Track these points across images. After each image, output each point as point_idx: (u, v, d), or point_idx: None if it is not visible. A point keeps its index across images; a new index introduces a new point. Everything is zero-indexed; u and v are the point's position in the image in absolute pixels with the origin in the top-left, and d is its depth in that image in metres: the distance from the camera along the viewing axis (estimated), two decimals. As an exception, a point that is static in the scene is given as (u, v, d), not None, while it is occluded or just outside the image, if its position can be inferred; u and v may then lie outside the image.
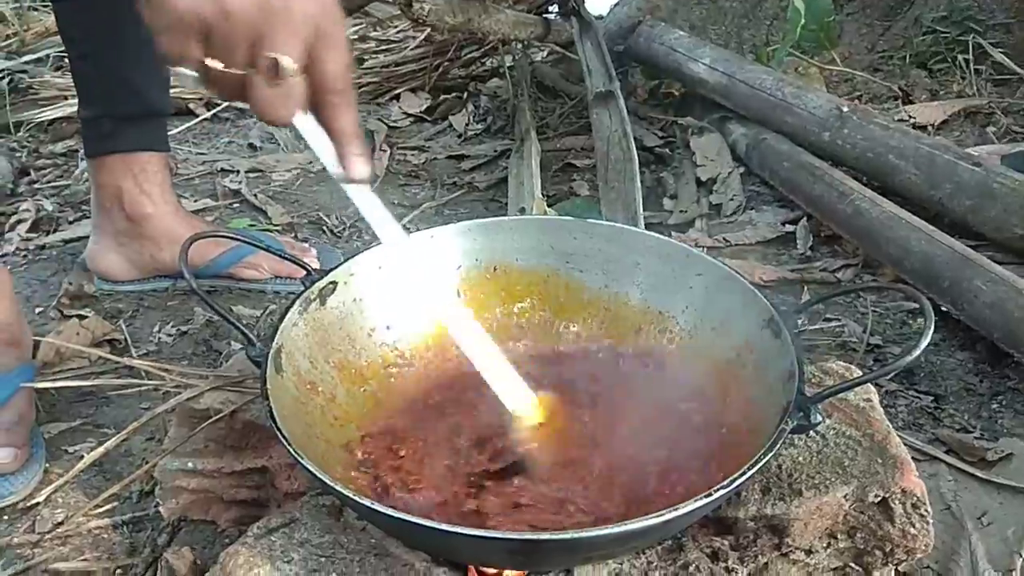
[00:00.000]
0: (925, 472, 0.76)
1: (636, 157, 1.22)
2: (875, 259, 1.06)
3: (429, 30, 1.73)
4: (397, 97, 1.78)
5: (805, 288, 1.06)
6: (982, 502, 0.73)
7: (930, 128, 1.36)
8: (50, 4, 1.06)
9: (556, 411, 0.62)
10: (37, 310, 1.09)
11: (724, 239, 1.18)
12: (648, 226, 1.16)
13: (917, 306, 0.96)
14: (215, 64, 0.50)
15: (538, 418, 0.60)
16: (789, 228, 1.19)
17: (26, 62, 1.87)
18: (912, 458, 0.75)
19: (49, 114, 1.61)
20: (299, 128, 0.55)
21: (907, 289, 0.60)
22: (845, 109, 1.20)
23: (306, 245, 1.16)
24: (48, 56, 1.88)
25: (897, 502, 0.57)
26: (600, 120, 1.36)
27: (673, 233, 1.19)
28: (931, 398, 0.86)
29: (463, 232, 0.77)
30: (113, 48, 1.01)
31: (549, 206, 1.27)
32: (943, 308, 0.94)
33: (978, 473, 0.75)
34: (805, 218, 1.18)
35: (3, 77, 1.76)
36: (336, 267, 0.70)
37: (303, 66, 0.51)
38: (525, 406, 0.60)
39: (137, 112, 1.04)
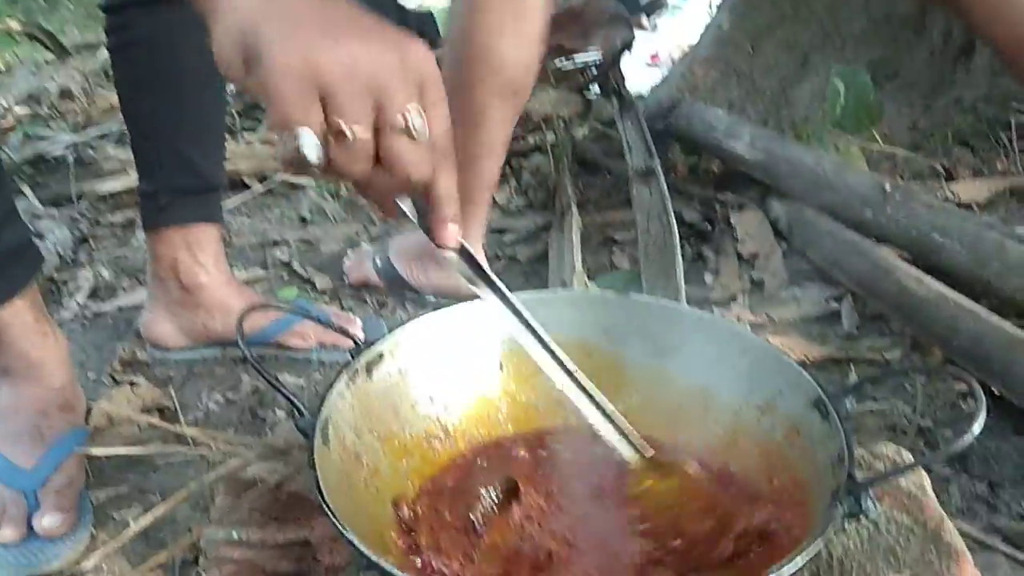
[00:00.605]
0: (981, 562, 0.73)
1: (677, 232, 1.23)
2: (923, 338, 1.05)
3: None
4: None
5: (851, 367, 1.04)
6: (1044, 596, 0.70)
7: (975, 206, 1.35)
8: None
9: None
10: (91, 376, 1.13)
11: (767, 316, 1.17)
12: (690, 301, 1.16)
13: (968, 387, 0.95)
14: (343, 124, 0.45)
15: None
16: (834, 306, 1.18)
17: (91, 136, 1.97)
18: (967, 547, 0.73)
19: (110, 185, 1.69)
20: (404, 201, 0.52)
21: (957, 371, 0.59)
22: (887, 187, 1.20)
23: (351, 315, 1.19)
24: (113, 131, 1.98)
25: (954, 594, 0.55)
26: (641, 196, 1.38)
27: (715, 309, 1.19)
28: (985, 484, 0.83)
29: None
30: (173, 128, 1.06)
31: (590, 279, 1.28)
32: (994, 390, 0.92)
33: (1039, 564, 0.72)
34: (850, 296, 1.17)
35: (69, 151, 1.85)
36: (382, 339, 0.72)
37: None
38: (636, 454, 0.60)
39: (194, 187, 1.08)
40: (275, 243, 1.51)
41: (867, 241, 1.18)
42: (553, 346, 0.62)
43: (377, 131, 0.47)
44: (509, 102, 1.08)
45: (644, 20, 3.81)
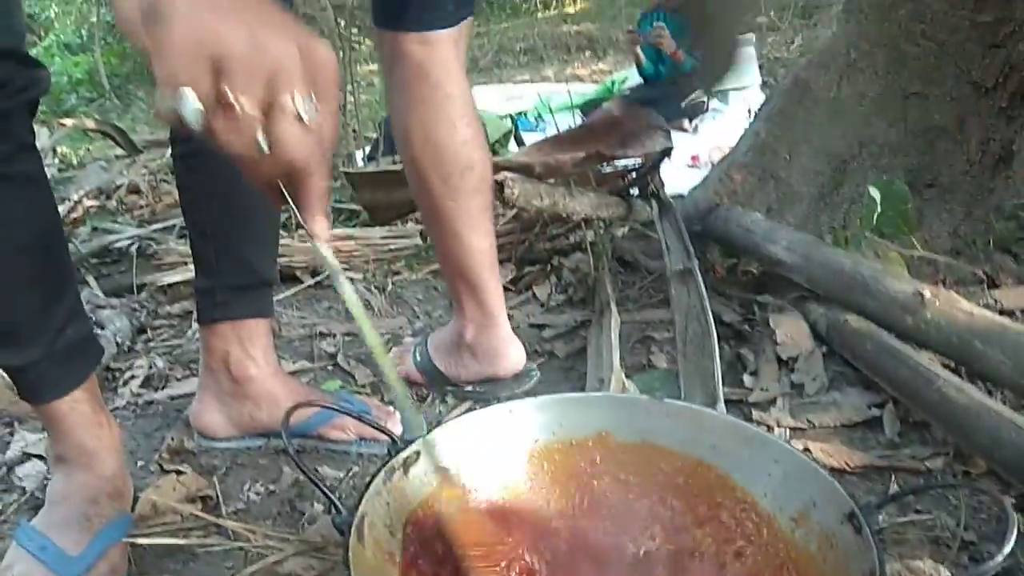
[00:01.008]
0: None
1: (715, 333, 1.24)
2: (966, 448, 1.03)
3: (518, 209, 1.85)
4: (485, 269, 1.88)
5: (893, 476, 1.03)
6: None
7: (1018, 314, 1.34)
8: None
9: None
10: (140, 463, 1.16)
11: (808, 420, 1.17)
12: (728, 402, 1.16)
13: (1016, 499, 0.92)
14: (231, 95, 0.46)
15: None
16: (875, 412, 1.17)
17: (154, 230, 2.08)
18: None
19: (169, 278, 1.77)
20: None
21: (988, 487, 0.59)
22: (927, 293, 1.20)
23: (391, 408, 1.21)
24: (175, 225, 2.09)
25: None
26: (679, 296, 1.40)
27: (754, 412, 1.19)
28: (1034, 604, 0.80)
29: (541, 406, 0.80)
30: (230, 229, 1.12)
31: (627, 377, 1.29)
32: (1042, 505, 0.90)
33: None
34: (891, 402, 1.16)
35: (133, 243, 1.95)
36: (419, 437, 0.74)
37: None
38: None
39: (248, 283, 1.13)
40: (322, 335, 1.56)
41: (907, 347, 1.18)
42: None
43: (266, 113, 0.48)
44: (465, 178, 1.16)
45: (686, 123, 3.93)
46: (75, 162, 3.51)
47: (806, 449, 1.06)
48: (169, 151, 2.43)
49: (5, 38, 0.83)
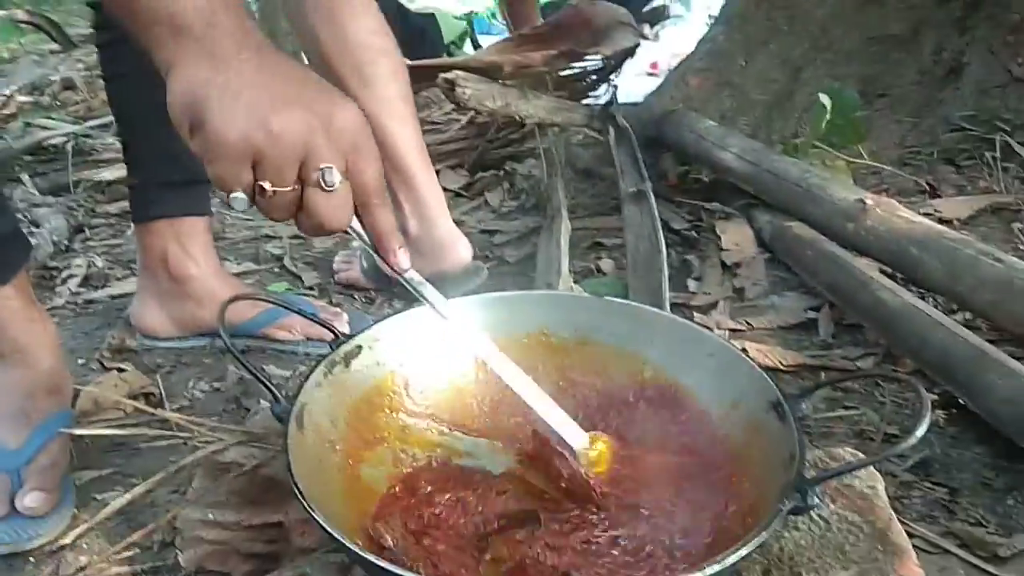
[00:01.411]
0: (937, 565, 0.75)
1: (664, 250, 1.25)
2: (895, 349, 1.07)
3: (472, 113, 1.81)
4: (438, 173, 1.85)
5: (824, 375, 1.07)
6: (995, 600, 0.72)
7: (956, 223, 1.38)
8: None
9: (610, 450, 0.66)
10: (80, 361, 1.15)
11: (747, 322, 1.19)
12: (673, 307, 1.18)
13: (938, 396, 0.97)
14: (267, 186, 0.55)
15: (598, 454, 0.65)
16: (812, 315, 1.20)
17: (90, 127, 2.00)
18: (924, 550, 0.75)
19: (106, 175, 1.71)
20: (353, 231, 0.61)
21: (906, 378, 0.61)
22: (869, 201, 1.22)
23: (338, 310, 1.21)
24: (111, 122, 2.00)
25: (897, 590, 0.57)
26: (631, 216, 1.40)
27: (696, 315, 1.21)
28: (946, 491, 0.85)
29: (485, 304, 0.80)
30: (159, 123, 1.08)
31: (576, 282, 1.30)
32: (960, 401, 0.94)
33: (991, 569, 0.74)
34: (827, 305, 1.20)
35: (68, 140, 1.87)
36: (362, 331, 0.74)
37: (347, 175, 0.57)
38: (582, 441, 0.65)
39: (182, 179, 1.10)
40: (268, 237, 1.54)
41: (846, 253, 1.20)
42: (495, 352, 0.68)
43: (301, 186, 0.56)
44: (378, 66, 1.17)
45: (646, 30, 3.84)
46: (6, 56, 3.32)
47: (743, 349, 1.09)
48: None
49: None
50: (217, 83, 0.54)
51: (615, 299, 0.80)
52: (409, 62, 1.95)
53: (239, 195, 0.55)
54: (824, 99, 1.42)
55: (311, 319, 0.80)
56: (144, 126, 1.07)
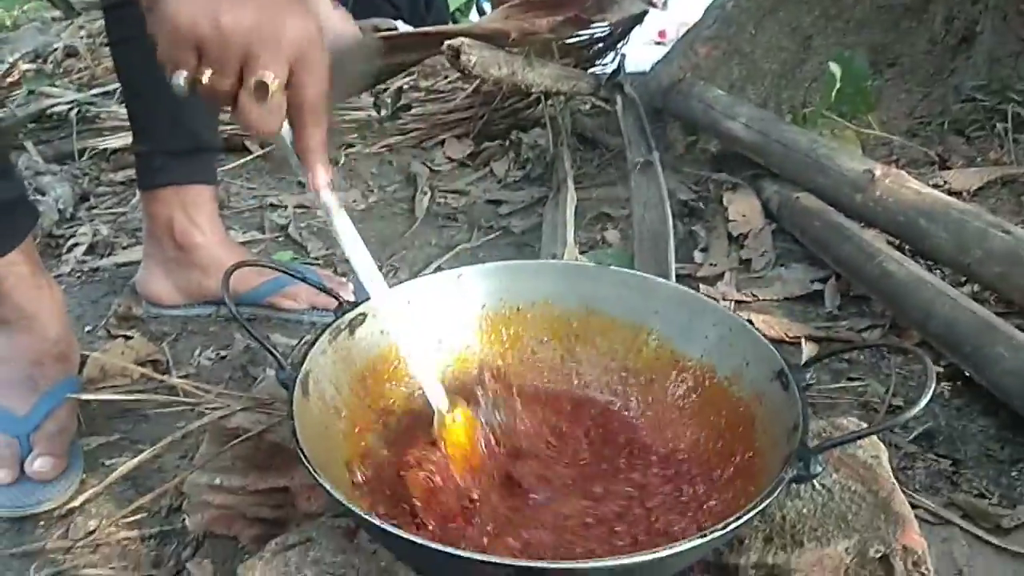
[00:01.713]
0: (939, 536, 0.76)
1: (671, 222, 1.24)
2: (902, 321, 1.07)
3: (478, 81, 1.79)
4: (443, 143, 1.84)
5: (829, 346, 1.06)
6: (996, 570, 0.72)
7: (965, 195, 1.36)
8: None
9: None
10: (87, 329, 1.15)
11: (752, 294, 1.19)
12: (678, 278, 1.18)
13: (944, 368, 0.97)
14: (207, 76, 0.56)
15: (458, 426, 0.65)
16: (818, 286, 1.20)
17: (95, 94, 1.98)
18: (927, 521, 0.76)
19: (112, 143, 1.70)
20: (282, 140, 0.61)
21: (912, 349, 0.61)
22: (878, 172, 1.21)
23: (343, 279, 1.21)
24: (116, 90, 1.99)
25: (898, 559, 0.57)
26: (638, 187, 1.39)
27: (702, 286, 1.21)
28: (950, 462, 0.85)
29: (489, 273, 0.80)
30: (164, 89, 1.07)
31: (581, 253, 1.30)
32: (966, 373, 0.94)
33: (993, 540, 0.75)
34: (834, 277, 1.19)
35: (72, 108, 1.86)
36: (366, 300, 0.74)
37: (285, 85, 0.57)
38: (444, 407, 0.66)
39: (187, 147, 1.10)
40: (272, 206, 1.53)
41: (854, 224, 1.19)
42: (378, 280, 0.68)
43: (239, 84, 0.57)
44: None
45: (654, -4, 3.79)
46: (8, 23, 3.29)
47: (749, 320, 1.08)
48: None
49: None
50: None
51: (620, 269, 0.80)
52: (414, 29, 1.94)
53: (179, 81, 0.56)
54: (834, 68, 1.40)
55: (316, 287, 0.80)
56: (151, 93, 1.06)
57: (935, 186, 1.31)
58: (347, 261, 0.68)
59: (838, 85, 1.38)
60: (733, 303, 1.17)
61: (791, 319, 1.12)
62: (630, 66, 1.86)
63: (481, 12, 2.96)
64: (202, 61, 0.55)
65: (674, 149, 1.65)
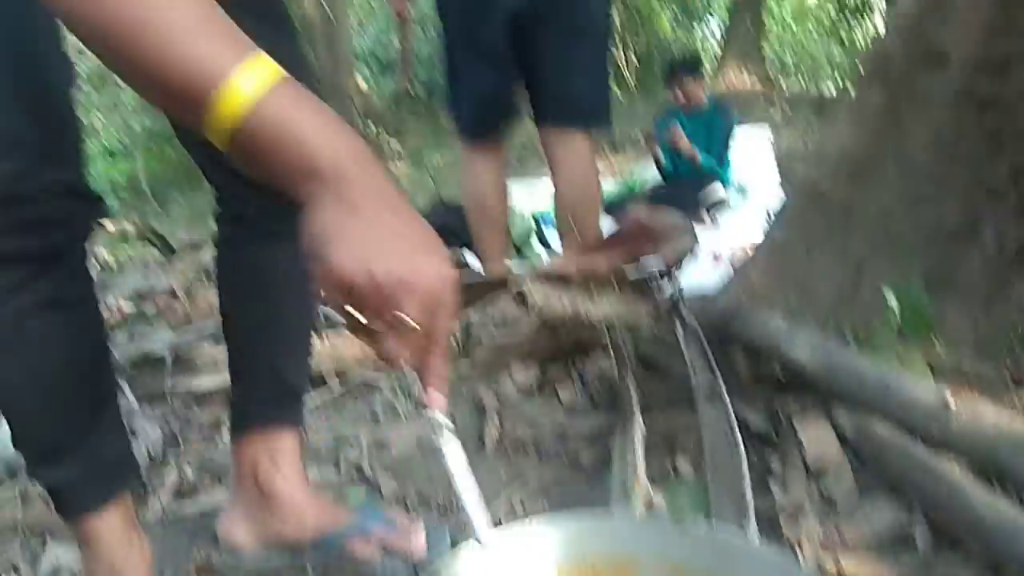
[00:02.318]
0: None
1: (743, 452, 1.24)
2: (1002, 565, 1.00)
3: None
4: (509, 368, 1.90)
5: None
6: None
7: (1048, 415, 1.32)
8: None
9: None
10: (167, 577, 1.17)
11: (838, 534, 1.15)
12: (757, 514, 1.15)
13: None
14: (353, 312, 0.64)
15: None
16: (906, 527, 1.14)
17: (189, 335, 2.13)
18: None
19: (203, 384, 1.81)
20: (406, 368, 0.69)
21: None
22: (952, 402, 1.19)
23: (415, 523, 1.21)
24: (209, 330, 2.14)
25: None
26: (706, 414, 1.40)
27: (783, 524, 1.17)
28: None
29: (565, 528, 0.81)
30: (267, 342, 1.15)
31: (651, 483, 1.28)
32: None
33: None
34: (923, 516, 1.14)
35: (167, 351, 2.00)
36: (441, 558, 0.74)
37: (421, 324, 0.65)
38: None
39: (281, 395, 1.16)
40: (348, 443, 1.58)
41: (934, 458, 1.16)
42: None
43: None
44: None
45: (705, 215, 4.00)
46: (113, 265, 3.62)
47: (838, 568, 1.04)
48: (205, 252, 2.50)
49: (67, 172, 0.88)
50: (345, 224, 0.63)
51: (703, 529, 0.79)
52: (479, 262, 2.07)
53: (328, 310, 0.66)
54: (890, 296, 1.43)
55: (389, 534, 0.82)
56: (253, 344, 1.13)
57: (1012, 407, 1.28)
58: (452, 491, 0.73)
59: (897, 313, 1.40)
60: (819, 546, 1.12)
61: (882, 562, 1.07)
62: (689, 287, 1.93)
63: (543, 242, 3.15)
64: (350, 298, 0.64)
65: (738, 375, 1.66)
